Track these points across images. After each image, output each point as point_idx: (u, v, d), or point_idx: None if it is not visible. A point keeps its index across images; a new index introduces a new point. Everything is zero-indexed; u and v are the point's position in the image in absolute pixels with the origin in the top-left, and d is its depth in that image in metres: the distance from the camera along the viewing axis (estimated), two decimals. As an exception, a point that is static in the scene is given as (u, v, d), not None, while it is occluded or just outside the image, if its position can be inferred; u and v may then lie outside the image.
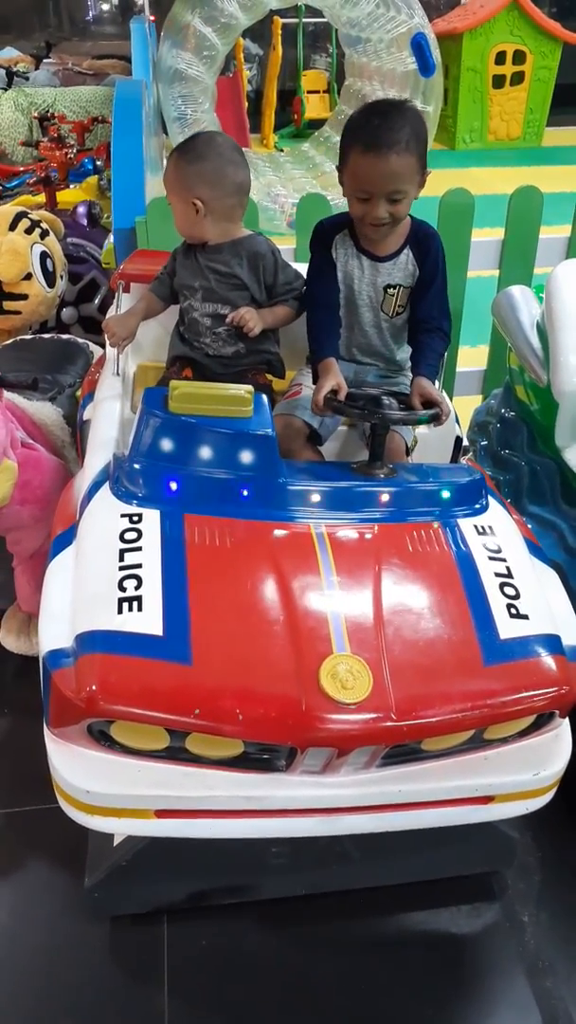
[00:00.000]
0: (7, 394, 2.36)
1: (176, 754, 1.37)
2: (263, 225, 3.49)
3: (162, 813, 1.41)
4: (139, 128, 3.11)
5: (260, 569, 1.46)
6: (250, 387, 1.65)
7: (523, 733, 1.46)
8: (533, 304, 2.35)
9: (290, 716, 1.29)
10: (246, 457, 1.58)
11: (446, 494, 1.65)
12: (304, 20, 8.59)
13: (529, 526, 2.13)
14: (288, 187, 6.13)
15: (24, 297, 3.13)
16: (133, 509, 1.54)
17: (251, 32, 8.51)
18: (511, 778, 1.47)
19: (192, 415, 1.59)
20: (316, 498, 1.59)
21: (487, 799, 1.49)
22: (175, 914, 1.75)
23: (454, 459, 2.10)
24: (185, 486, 1.56)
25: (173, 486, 1.56)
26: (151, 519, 1.51)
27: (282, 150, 8.00)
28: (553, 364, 2.05)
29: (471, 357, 3.16)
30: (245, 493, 1.56)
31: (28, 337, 3.04)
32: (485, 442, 2.52)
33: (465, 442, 2.12)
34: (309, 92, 8.62)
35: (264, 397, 1.68)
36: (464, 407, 2.82)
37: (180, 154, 1.93)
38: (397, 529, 1.58)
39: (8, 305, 3.11)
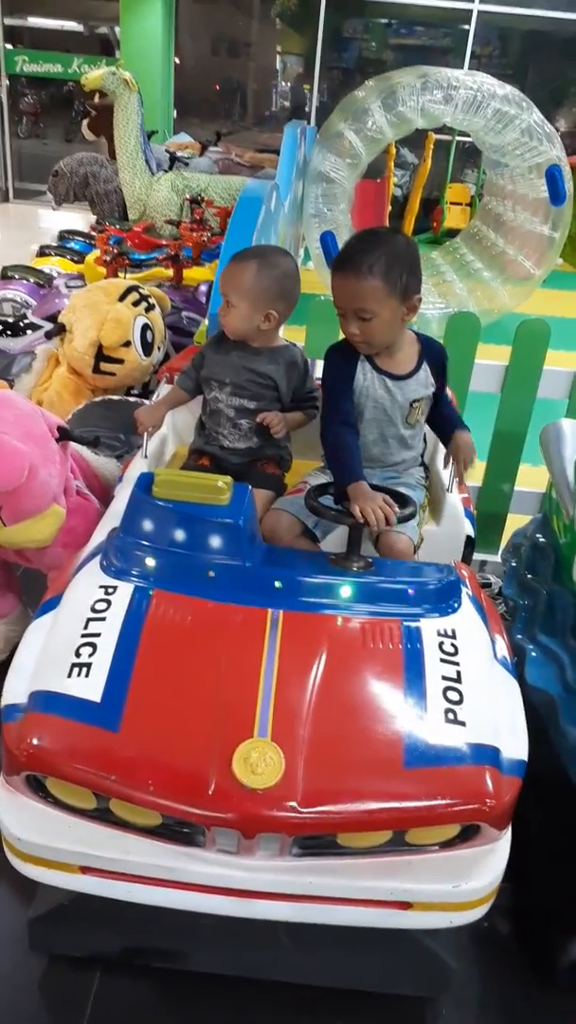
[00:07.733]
0: (75, 446, 2.56)
1: (103, 815, 1.42)
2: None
3: (86, 870, 1.47)
4: (253, 225, 3.36)
5: (206, 648, 1.51)
6: (229, 478, 1.73)
7: (451, 842, 1.42)
8: (577, 439, 2.38)
9: (197, 793, 1.32)
10: (215, 542, 1.65)
11: (412, 593, 1.66)
12: (459, 138, 8.98)
13: (533, 652, 2.12)
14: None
15: (120, 362, 3.40)
16: (111, 582, 1.63)
17: (409, 141, 8.99)
18: (429, 886, 1.44)
19: (171, 500, 1.69)
20: (279, 585, 1.64)
21: (405, 905, 1.45)
22: (109, 967, 1.79)
23: (465, 557, 2.12)
24: (159, 564, 1.65)
25: (149, 563, 1.65)
26: (123, 593, 1.59)
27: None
28: (578, 500, 2.07)
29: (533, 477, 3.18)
30: (212, 575, 1.63)
31: (115, 398, 3.29)
32: (515, 563, 2.53)
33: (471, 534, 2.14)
34: (452, 203, 8.94)
35: (249, 489, 1.75)
36: (515, 526, 2.87)
37: (266, 266, 2.06)
38: (353, 622, 1.60)
39: (105, 367, 3.40)
